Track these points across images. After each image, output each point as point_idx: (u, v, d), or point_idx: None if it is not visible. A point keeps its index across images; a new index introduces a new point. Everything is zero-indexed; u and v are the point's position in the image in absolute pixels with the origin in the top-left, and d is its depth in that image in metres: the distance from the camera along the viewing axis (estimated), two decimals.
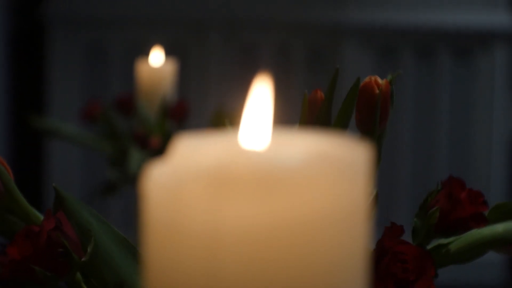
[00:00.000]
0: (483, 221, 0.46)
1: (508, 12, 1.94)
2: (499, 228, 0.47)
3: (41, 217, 0.49)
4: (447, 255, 0.47)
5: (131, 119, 1.16)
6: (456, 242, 0.47)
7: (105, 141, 1.14)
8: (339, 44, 1.88)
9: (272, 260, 0.26)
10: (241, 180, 0.26)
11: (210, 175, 0.26)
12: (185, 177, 0.27)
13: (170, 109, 1.11)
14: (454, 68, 1.95)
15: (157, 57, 1.21)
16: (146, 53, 1.24)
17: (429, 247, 0.47)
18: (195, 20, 1.86)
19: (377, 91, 0.48)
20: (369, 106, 0.49)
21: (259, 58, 1.88)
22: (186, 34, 1.85)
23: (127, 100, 1.16)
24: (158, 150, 1.10)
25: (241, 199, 0.26)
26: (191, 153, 0.29)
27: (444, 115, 1.95)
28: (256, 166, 0.26)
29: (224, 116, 1.01)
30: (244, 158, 0.26)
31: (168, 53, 1.24)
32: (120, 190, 1.13)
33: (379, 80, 0.50)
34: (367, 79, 0.49)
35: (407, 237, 0.46)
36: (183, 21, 1.85)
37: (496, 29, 1.92)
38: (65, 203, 0.49)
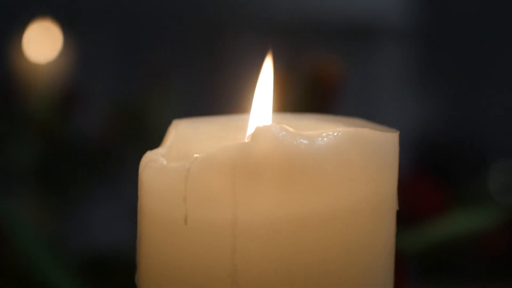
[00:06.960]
0: (445, 209, 0.48)
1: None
2: (461, 228, 0.48)
3: None
4: (410, 259, 0.48)
5: (12, 106, 1.10)
6: (419, 244, 0.48)
7: None
8: (222, 39, 1.88)
9: (298, 254, 0.26)
10: (263, 167, 0.25)
11: (227, 162, 0.25)
12: (197, 166, 0.26)
13: (62, 95, 1.07)
14: (352, 63, 1.98)
15: (42, 33, 1.15)
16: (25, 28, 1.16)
17: None
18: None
19: (332, 78, 0.49)
20: (323, 92, 0.49)
21: (147, 49, 1.84)
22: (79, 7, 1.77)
23: (10, 84, 1.10)
24: (45, 140, 1.06)
25: (263, 188, 0.25)
26: (196, 140, 0.28)
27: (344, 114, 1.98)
28: (280, 150, 0.25)
29: (128, 107, 0.99)
30: (264, 142, 0.25)
31: (62, 28, 1.17)
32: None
33: (331, 68, 0.50)
34: (319, 67, 0.50)
35: None
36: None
37: (387, 18, 1.98)
38: None
